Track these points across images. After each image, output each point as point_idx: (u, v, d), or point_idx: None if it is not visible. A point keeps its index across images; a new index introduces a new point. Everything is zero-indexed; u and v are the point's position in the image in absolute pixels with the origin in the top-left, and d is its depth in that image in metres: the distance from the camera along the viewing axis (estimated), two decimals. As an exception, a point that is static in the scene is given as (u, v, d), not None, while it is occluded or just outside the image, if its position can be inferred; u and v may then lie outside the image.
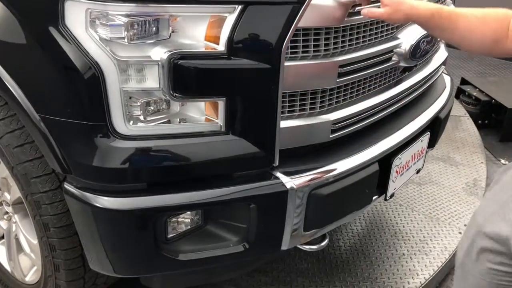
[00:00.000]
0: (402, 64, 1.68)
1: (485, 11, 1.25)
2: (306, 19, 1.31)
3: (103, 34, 1.23)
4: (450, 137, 3.43)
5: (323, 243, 1.76)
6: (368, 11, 1.31)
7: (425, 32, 1.67)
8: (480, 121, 3.89)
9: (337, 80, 1.45)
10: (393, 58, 1.64)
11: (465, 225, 2.55)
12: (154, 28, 1.26)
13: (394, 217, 2.58)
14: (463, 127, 3.62)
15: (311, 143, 1.51)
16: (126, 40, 1.23)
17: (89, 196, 1.36)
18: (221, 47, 1.28)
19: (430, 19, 1.25)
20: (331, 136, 1.53)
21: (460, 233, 2.47)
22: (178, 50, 1.26)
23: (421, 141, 1.94)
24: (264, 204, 1.44)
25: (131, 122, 1.32)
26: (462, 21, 1.23)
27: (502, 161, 3.47)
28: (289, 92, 1.42)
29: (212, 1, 1.25)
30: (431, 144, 2.09)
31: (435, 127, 2.03)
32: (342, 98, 1.55)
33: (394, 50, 1.62)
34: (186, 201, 1.38)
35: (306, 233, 1.57)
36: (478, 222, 1.32)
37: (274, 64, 1.31)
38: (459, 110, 3.82)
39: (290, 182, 1.44)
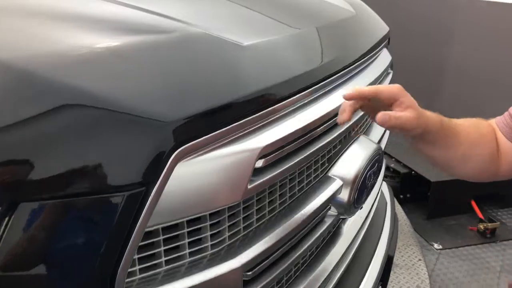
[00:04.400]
0: (344, 216, 1.04)
1: (473, 121, 0.99)
2: (171, 208, 0.60)
3: None
4: (378, 227, 2.89)
5: None
6: (390, 116, 0.80)
7: (366, 156, 1.05)
8: (401, 196, 3.45)
9: (244, 295, 0.75)
10: (330, 212, 0.99)
11: None
12: None
13: None
14: (389, 210, 3.12)
15: None
16: None
17: None
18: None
19: (440, 129, 0.89)
20: None
21: None
22: None
23: (372, 303, 1.30)
24: None
25: None
26: (463, 133, 0.94)
27: (435, 245, 3.00)
28: None
29: None
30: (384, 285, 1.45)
31: (387, 270, 1.41)
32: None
33: (331, 202, 0.96)
34: None
35: None
36: None
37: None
38: (378, 186, 3.34)
39: None
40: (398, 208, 3.18)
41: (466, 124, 0.96)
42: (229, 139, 0.68)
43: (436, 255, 2.93)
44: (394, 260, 2.65)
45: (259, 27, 0.86)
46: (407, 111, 0.82)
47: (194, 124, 0.62)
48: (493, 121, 1.00)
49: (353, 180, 0.99)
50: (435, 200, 3.24)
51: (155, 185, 0.58)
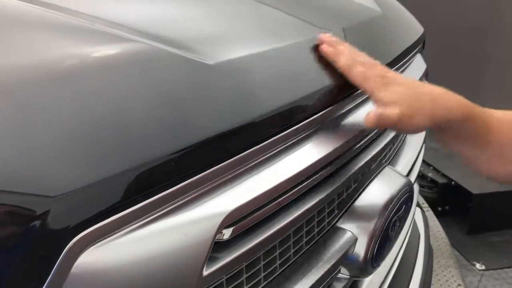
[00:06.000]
0: (358, 278, 0.81)
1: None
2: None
3: None
4: (413, 246, 2.61)
5: None
6: (379, 114, 0.66)
7: (389, 198, 0.81)
8: (439, 208, 3.16)
9: None
10: (339, 274, 0.76)
11: None
12: None
13: None
14: (425, 225, 2.83)
15: None
16: None
17: None
18: None
19: (463, 123, 0.73)
20: None
21: None
22: None
23: None
24: None
25: None
26: (496, 130, 0.76)
27: (478, 265, 2.70)
28: None
29: None
30: None
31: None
32: None
33: (342, 264, 0.73)
34: None
35: None
36: None
37: None
38: (414, 198, 3.05)
39: None
40: (435, 222, 2.90)
41: (501, 119, 0.79)
42: (174, 206, 0.46)
43: (478, 276, 2.64)
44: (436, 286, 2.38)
45: (235, 37, 0.63)
46: (394, 107, 0.66)
47: (110, 191, 0.41)
48: None
49: (371, 232, 0.75)
50: (477, 214, 2.94)
51: (38, 292, 0.37)
